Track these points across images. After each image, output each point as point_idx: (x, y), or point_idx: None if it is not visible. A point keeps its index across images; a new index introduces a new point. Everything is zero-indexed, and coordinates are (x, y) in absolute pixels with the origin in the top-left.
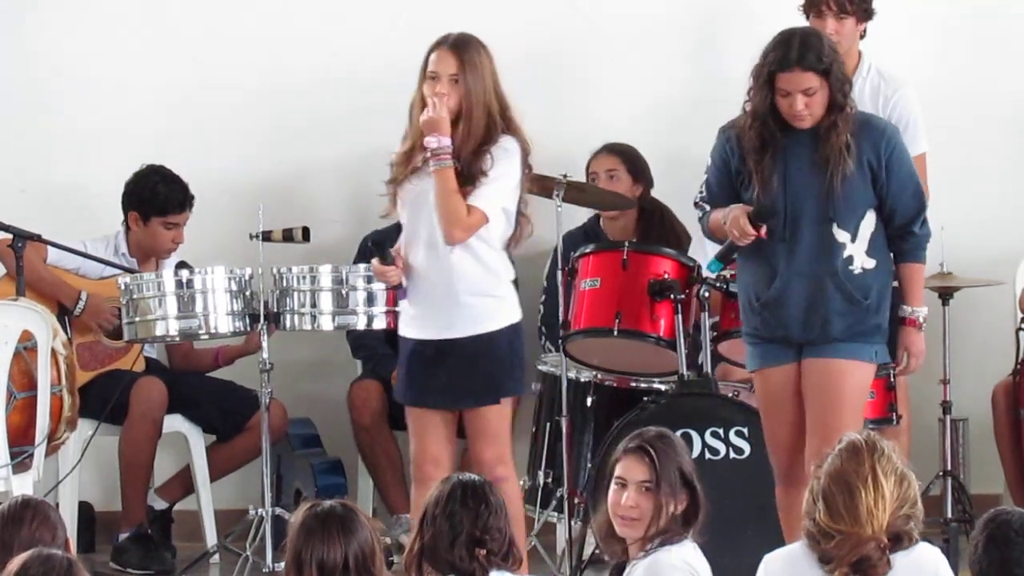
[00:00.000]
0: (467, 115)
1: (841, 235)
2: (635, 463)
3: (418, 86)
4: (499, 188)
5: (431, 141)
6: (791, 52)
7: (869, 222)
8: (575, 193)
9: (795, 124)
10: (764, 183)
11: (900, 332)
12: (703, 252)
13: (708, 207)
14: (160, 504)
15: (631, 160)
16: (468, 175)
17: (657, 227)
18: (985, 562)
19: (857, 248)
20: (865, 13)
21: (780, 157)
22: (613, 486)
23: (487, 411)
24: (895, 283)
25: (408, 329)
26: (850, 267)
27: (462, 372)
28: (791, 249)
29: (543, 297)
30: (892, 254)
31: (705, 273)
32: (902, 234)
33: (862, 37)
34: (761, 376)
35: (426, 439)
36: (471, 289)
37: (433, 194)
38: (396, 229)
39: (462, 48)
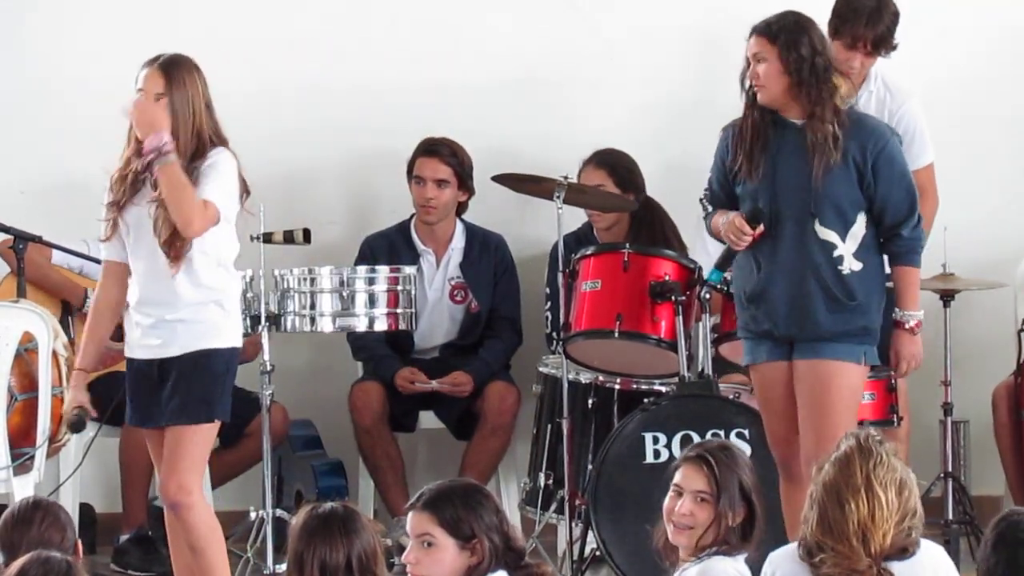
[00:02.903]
0: (173, 134)
1: (825, 233)
2: (693, 472)
3: None
4: (223, 185)
5: (151, 140)
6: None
7: (860, 224)
8: (575, 195)
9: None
10: (751, 175)
11: (893, 335)
12: (705, 253)
13: (710, 205)
14: None
15: (617, 171)
16: None
17: (647, 231)
18: (993, 561)
19: (847, 249)
20: (892, 49)
21: (770, 151)
22: (670, 493)
23: (183, 433)
24: (889, 285)
25: (133, 350)
26: (839, 267)
27: (179, 388)
28: (774, 245)
29: (547, 304)
30: (887, 256)
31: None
32: (891, 236)
33: None
34: (755, 371)
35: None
36: (194, 310)
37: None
38: (397, 231)
39: (170, 67)
